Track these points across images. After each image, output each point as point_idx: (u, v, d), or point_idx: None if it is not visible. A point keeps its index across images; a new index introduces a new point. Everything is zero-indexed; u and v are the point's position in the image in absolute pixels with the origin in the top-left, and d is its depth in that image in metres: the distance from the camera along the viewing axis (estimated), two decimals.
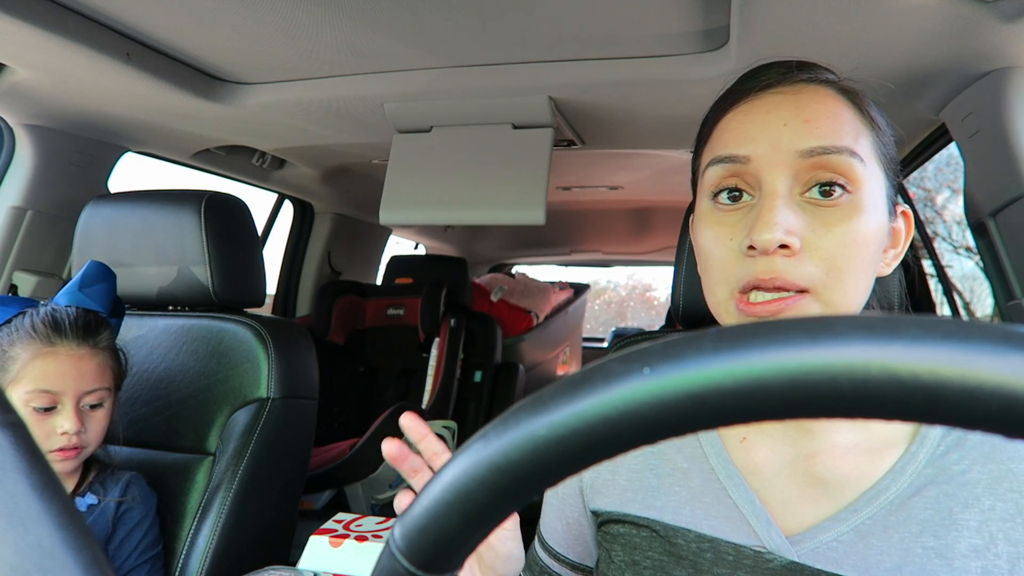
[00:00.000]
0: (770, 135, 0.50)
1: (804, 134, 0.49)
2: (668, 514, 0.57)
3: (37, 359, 0.88)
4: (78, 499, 0.95)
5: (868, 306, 0.58)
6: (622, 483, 0.61)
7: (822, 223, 0.49)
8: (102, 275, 1.02)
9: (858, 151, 0.49)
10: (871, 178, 0.50)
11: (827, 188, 0.49)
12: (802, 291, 0.49)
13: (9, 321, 0.91)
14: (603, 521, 0.62)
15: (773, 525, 0.53)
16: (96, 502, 0.96)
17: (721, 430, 0.57)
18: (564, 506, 0.67)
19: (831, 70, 0.55)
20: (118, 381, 0.99)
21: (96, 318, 0.96)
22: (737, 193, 0.52)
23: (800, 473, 0.54)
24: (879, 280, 0.58)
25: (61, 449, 0.88)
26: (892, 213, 0.53)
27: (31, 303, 0.95)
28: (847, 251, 0.48)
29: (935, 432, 0.51)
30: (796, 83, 0.52)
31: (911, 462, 0.51)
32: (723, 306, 0.53)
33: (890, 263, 0.54)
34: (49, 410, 0.88)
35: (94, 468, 0.99)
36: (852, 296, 0.50)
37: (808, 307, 0.49)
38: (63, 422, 0.88)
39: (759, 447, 0.56)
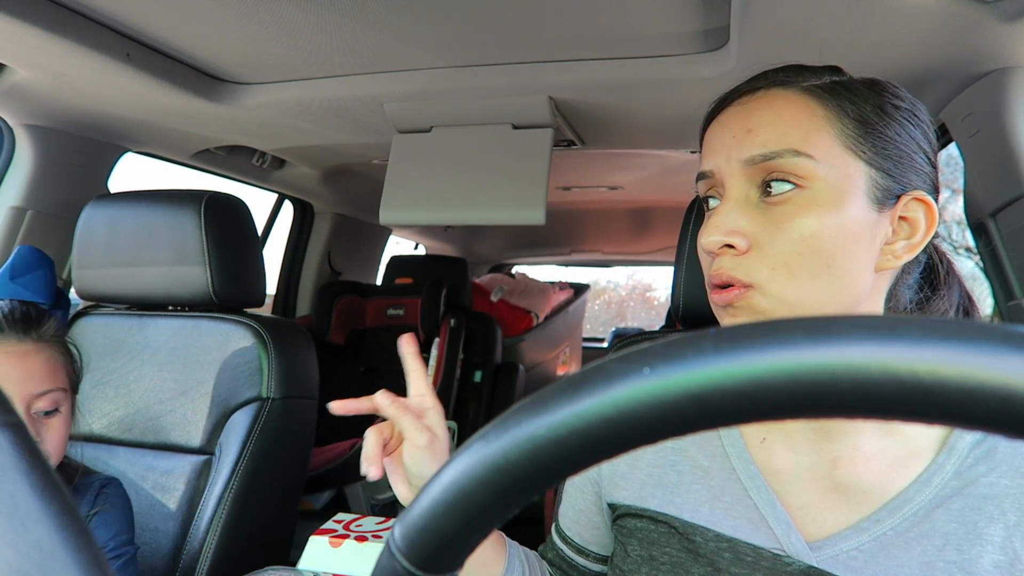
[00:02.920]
0: (724, 148, 0.54)
1: (747, 144, 0.52)
2: (687, 511, 0.58)
3: None
4: None
5: (889, 308, 0.57)
6: (641, 477, 0.61)
7: (772, 221, 0.51)
8: (36, 262, 0.89)
9: (805, 150, 0.50)
10: (831, 172, 0.50)
11: (771, 187, 0.51)
12: (748, 286, 0.51)
13: None
14: (620, 514, 0.63)
15: (793, 529, 0.52)
16: None
17: (743, 430, 0.59)
18: (577, 494, 0.68)
19: (811, 68, 0.55)
20: (73, 382, 0.86)
21: (36, 309, 0.84)
22: (715, 201, 0.57)
23: (821, 478, 0.53)
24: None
25: None
26: (886, 203, 0.51)
27: None
28: (796, 247, 0.50)
29: (964, 443, 0.50)
30: (753, 92, 0.55)
31: (937, 473, 0.50)
32: (710, 300, 0.57)
33: (900, 255, 0.53)
34: None
35: (63, 477, 0.91)
36: (811, 292, 0.50)
37: (754, 299, 0.51)
38: None
39: (780, 449, 0.56)
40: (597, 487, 0.66)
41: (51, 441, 0.80)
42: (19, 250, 0.90)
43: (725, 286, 0.52)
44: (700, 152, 0.60)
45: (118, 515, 0.91)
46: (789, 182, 0.50)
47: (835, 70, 0.56)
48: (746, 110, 0.54)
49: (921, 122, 0.55)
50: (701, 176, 0.57)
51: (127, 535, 0.92)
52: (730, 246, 0.52)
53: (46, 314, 0.85)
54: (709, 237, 0.52)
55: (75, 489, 0.89)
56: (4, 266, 0.87)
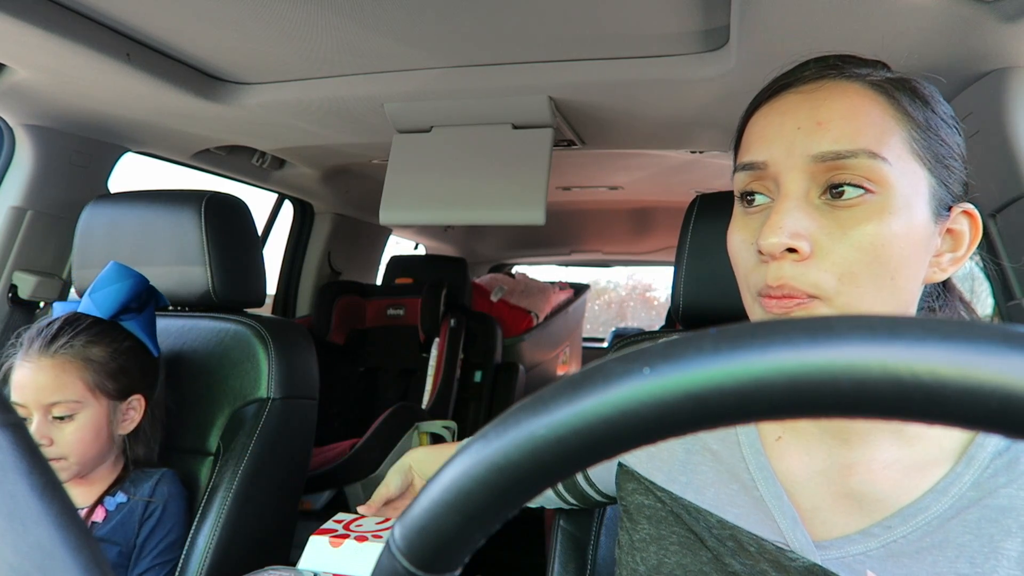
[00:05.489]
0: (785, 139, 0.49)
1: (817, 137, 0.48)
2: (691, 492, 0.56)
3: (13, 371, 0.89)
4: (108, 498, 0.95)
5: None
6: (651, 449, 0.60)
7: (838, 226, 0.47)
8: (113, 278, 1.00)
9: (880, 152, 0.46)
10: (901, 178, 0.46)
11: (842, 190, 0.47)
12: (812, 297, 0.47)
13: None
14: (627, 482, 0.62)
15: (799, 525, 0.51)
16: (125, 500, 0.95)
17: (758, 424, 0.58)
18: None
19: (871, 62, 0.52)
20: (103, 390, 0.93)
21: (76, 325, 0.93)
22: (753, 196, 0.52)
23: (834, 483, 0.52)
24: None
25: None
26: (941, 214, 0.49)
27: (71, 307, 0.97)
28: (863, 256, 0.46)
29: (984, 453, 0.48)
30: (819, 80, 0.50)
31: (955, 483, 0.48)
32: (751, 309, 0.52)
33: (946, 268, 0.51)
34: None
35: (131, 469, 0.99)
36: (873, 304, 0.47)
37: (817, 311, 0.47)
38: None
39: (794, 450, 0.55)
40: None
41: (64, 442, 0.89)
42: (110, 265, 1.00)
43: (782, 299, 0.48)
44: (737, 144, 0.56)
45: (172, 510, 0.99)
46: (860, 186, 0.46)
47: (884, 65, 0.53)
48: (813, 100, 0.49)
49: (961, 128, 0.53)
50: (747, 167, 0.51)
51: (176, 534, 0.99)
52: (791, 250, 0.47)
53: (77, 331, 0.93)
54: (770, 239, 0.47)
55: (133, 480, 0.97)
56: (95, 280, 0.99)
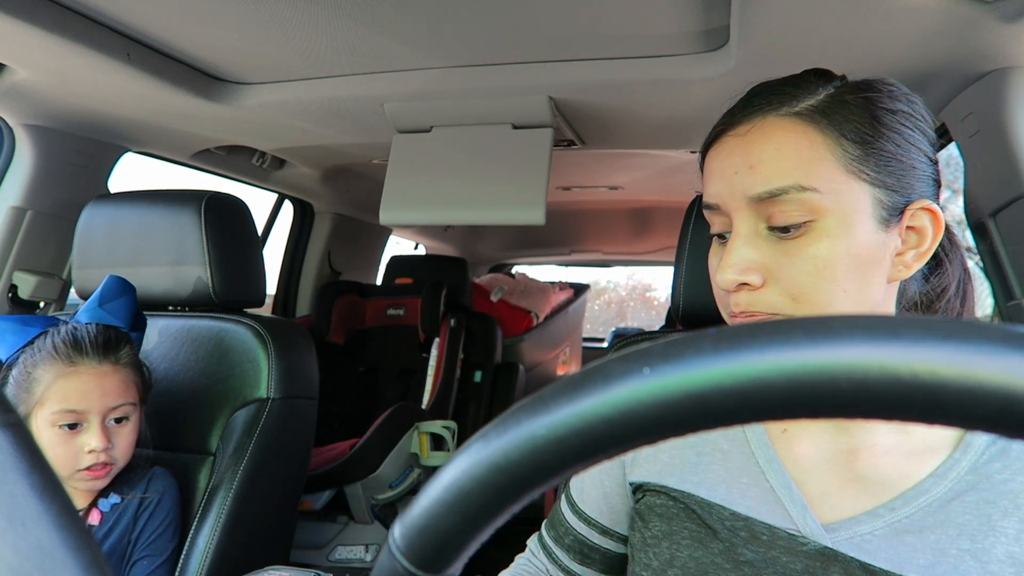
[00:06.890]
0: (727, 183, 0.55)
1: (751, 180, 0.52)
2: (704, 489, 0.59)
3: (60, 379, 0.88)
4: (101, 500, 0.95)
5: (900, 307, 0.58)
6: (663, 459, 0.63)
7: (784, 254, 0.52)
8: (121, 289, 1.02)
9: (810, 184, 0.50)
10: (838, 201, 0.50)
11: (781, 223, 0.52)
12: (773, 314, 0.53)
13: (32, 342, 0.92)
14: (641, 490, 0.64)
15: (809, 511, 0.54)
16: (119, 501, 0.96)
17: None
18: (604, 476, 0.69)
19: (804, 82, 0.54)
20: (143, 394, 0.99)
21: (116, 334, 0.97)
22: (723, 236, 0.58)
23: (841, 468, 0.55)
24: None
25: (90, 467, 0.89)
26: (891, 220, 0.52)
27: (53, 321, 0.95)
28: (810, 278, 0.51)
29: (980, 440, 0.52)
30: (749, 121, 0.54)
31: (954, 467, 0.51)
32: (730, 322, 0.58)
33: (910, 264, 0.54)
34: (75, 428, 0.88)
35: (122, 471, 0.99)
36: (836, 312, 0.51)
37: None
38: (90, 440, 0.88)
39: (801, 440, 0.58)
40: (623, 468, 0.67)
41: (120, 445, 0.93)
42: (108, 279, 1.02)
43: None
44: (702, 176, 0.60)
45: (166, 503, 1.01)
46: (798, 216, 0.51)
47: (826, 76, 0.55)
48: (745, 143, 0.54)
49: (919, 120, 0.54)
50: (706, 207, 0.58)
51: (167, 524, 1.00)
52: (745, 283, 0.53)
53: (125, 338, 0.98)
54: (724, 275, 0.53)
55: (125, 481, 0.98)
56: (95, 292, 1.00)
